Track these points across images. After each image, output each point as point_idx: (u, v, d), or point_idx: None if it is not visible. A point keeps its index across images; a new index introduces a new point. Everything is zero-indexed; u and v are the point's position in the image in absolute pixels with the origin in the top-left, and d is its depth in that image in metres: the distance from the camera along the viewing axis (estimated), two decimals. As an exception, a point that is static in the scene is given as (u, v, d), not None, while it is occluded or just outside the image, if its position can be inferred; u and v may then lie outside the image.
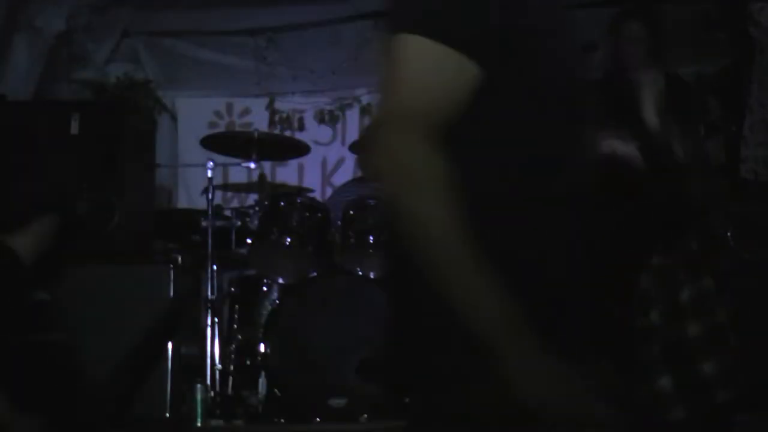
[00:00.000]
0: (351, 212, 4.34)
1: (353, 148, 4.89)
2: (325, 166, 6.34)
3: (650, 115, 3.12)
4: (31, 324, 3.08)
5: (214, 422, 3.89)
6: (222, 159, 4.51)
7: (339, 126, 6.35)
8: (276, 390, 4.00)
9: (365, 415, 3.90)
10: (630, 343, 3.01)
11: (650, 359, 2.98)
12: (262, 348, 4.02)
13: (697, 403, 2.90)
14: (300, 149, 4.72)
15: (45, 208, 3.34)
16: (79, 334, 3.89)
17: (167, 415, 3.99)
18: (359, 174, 5.95)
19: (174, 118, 6.37)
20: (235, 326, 4.39)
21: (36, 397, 2.96)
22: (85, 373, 3.24)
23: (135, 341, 3.87)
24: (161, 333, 3.95)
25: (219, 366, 4.12)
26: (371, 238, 4.26)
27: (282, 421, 3.92)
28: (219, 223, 4.31)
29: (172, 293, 4.02)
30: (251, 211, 4.37)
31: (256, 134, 4.34)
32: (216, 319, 4.16)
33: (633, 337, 3.02)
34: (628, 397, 2.97)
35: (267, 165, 6.13)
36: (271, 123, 6.31)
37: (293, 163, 6.19)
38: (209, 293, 4.16)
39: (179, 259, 4.20)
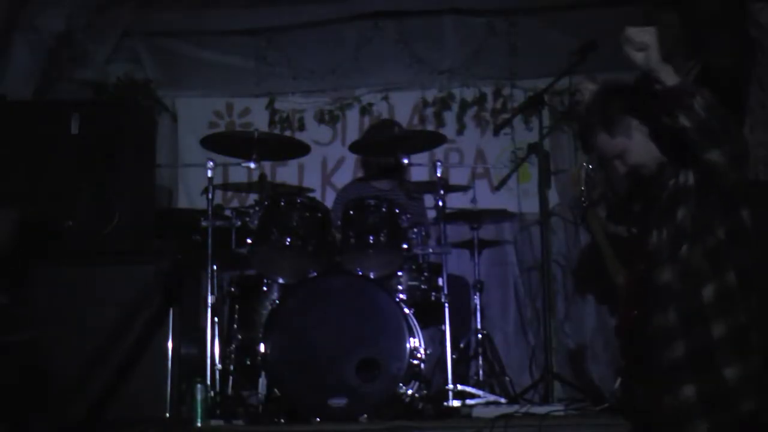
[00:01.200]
0: (351, 212, 4.34)
1: (353, 148, 4.89)
2: (325, 166, 6.34)
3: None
4: None
5: (214, 422, 3.89)
6: (222, 159, 4.51)
7: (339, 126, 6.35)
8: (276, 390, 4.00)
9: (365, 415, 3.90)
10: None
11: (673, 365, 2.86)
12: (262, 348, 4.02)
13: (722, 416, 2.76)
14: (300, 149, 4.72)
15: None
16: (79, 334, 3.90)
17: (167, 415, 4.00)
18: (360, 174, 5.96)
19: (174, 118, 6.38)
20: (235, 326, 4.39)
21: None
22: (49, 375, 3.13)
23: (98, 339, 3.76)
24: (126, 328, 3.85)
25: (219, 366, 4.13)
26: (371, 238, 4.26)
27: (282, 421, 3.92)
28: (219, 223, 4.31)
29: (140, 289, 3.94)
30: (251, 211, 4.37)
31: (256, 134, 4.33)
32: (216, 319, 4.16)
33: (650, 337, 2.89)
34: (650, 409, 2.87)
35: (267, 165, 6.14)
36: (271, 123, 6.31)
37: (293, 163, 6.19)
38: (209, 293, 4.15)
39: (179, 259, 4.20)
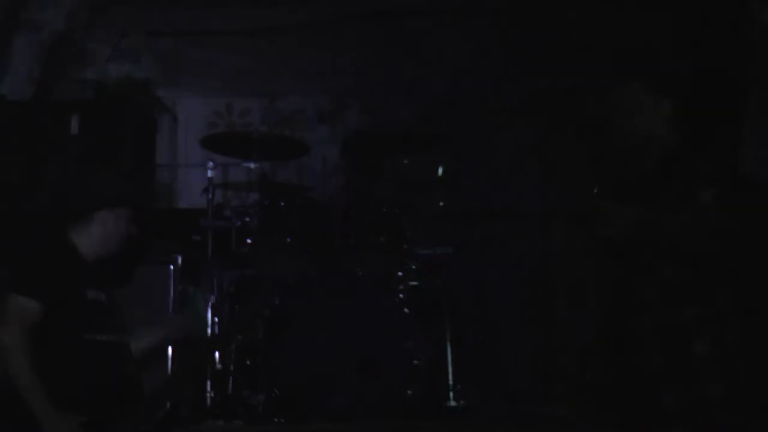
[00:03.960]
0: (351, 212, 4.34)
1: (344, 150, 4.90)
2: (325, 166, 6.33)
3: None
4: (83, 323, 2.96)
5: (214, 422, 3.89)
6: (222, 159, 4.51)
7: (339, 126, 6.35)
8: (276, 390, 4.00)
9: (365, 415, 3.90)
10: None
11: (653, 372, 2.84)
12: (262, 348, 4.02)
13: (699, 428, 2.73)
14: (300, 149, 4.72)
15: (111, 203, 3.12)
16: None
17: (165, 416, 4.00)
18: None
19: (174, 118, 6.38)
20: (235, 326, 4.39)
21: (79, 396, 2.89)
22: (135, 377, 3.14)
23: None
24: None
25: (219, 366, 4.13)
26: (371, 238, 4.26)
27: (282, 421, 3.92)
28: (219, 223, 4.31)
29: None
30: (251, 211, 4.37)
31: (256, 134, 4.34)
32: (216, 319, 4.16)
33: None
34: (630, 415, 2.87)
35: (267, 165, 6.13)
36: (271, 123, 6.31)
37: (293, 163, 6.19)
38: (209, 293, 4.15)
39: (179, 259, 4.20)
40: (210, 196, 4.29)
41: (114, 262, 3.16)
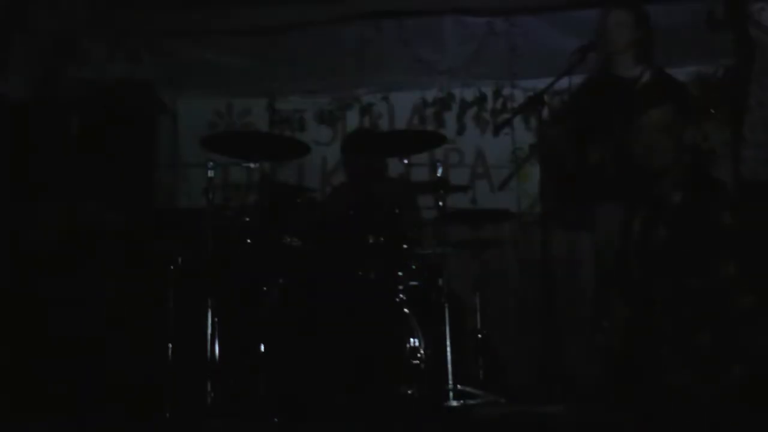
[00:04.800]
0: (351, 212, 4.34)
1: (343, 148, 4.90)
2: (325, 166, 6.34)
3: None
4: None
5: (214, 422, 3.89)
6: (222, 159, 4.51)
7: (339, 126, 6.35)
8: (276, 390, 4.00)
9: (365, 415, 3.90)
10: None
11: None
12: (262, 348, 4.02)
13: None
14: (300, 149, 4.72)
15: None
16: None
17: (167, 415, 4.00)
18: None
19: (174, 118, 6.37)
20: (235, 326, 4.38)
21: None
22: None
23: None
24: None
25: (219, 366, 4.12)
26: (371, 238, 4.26)
27: (282, 421, 3.92)
28: (219, 223, 4.31)
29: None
30: (251, 211, 4.37)
31: (256, 134, 4.34)
32: (216, 319, 4.16)
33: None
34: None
35: (267, 165, 6.13)
36: (271, 123, 6.31)
37: (293, 163, 6.19)
38: (209, 293, 4.15)
39: (179, 259, 4.20)
40: (210, 196, 4.29)
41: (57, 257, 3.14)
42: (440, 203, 4.39)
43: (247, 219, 4.34)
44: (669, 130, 2.98)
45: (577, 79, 4.43)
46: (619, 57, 4.36)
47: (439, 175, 4.42)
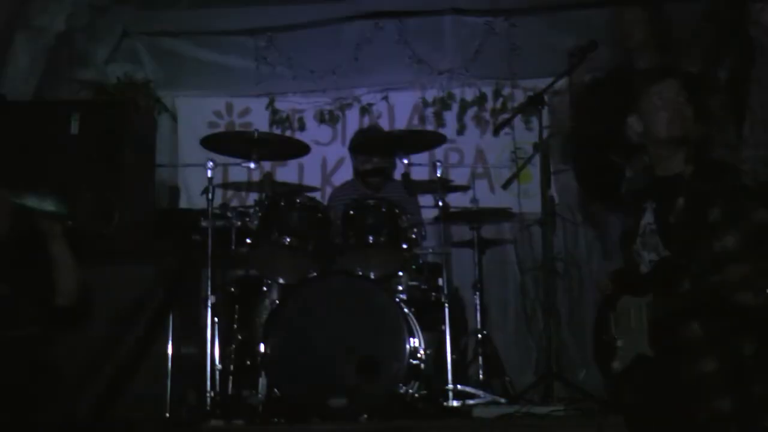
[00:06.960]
0: (351, 212, 4.34)
1: (345, 150, 4.90)
2: (325, 166, 6.34)
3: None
4: None
5: (214, 422, 3.89)
6: (222, 159, 4.51)
7: (339, 126, 6.35)
8: (276, 390, 4.00)
9: (365, 415, 3.90)
10: None
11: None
12: (262, 348, 4.02)
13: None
14: (300, 149, 4.72)
15: None
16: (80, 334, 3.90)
17: (167, 415, 4.00)
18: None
19: (174, 118, 6.37)
20: (235, 326, 4.39)
21: None
22: (57, 371, 3.08)
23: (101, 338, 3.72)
24: (129, 327, 3.83)
25: (219, 366, 4.12)
26: (371, 238, 4.26)
27: (282, 421, 3.92)
28: (219, 223, 4.31)
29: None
30: (251, 211, 4.37)
31: (256, 134, 4.33)
32: (216, 319, 4.16)
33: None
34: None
35: (267, 165, 6.13)
36: (272, 123, 6.31)
37: (293, 163, 6.18)
38: (209, 293, 4.15)
39: (179, 259, 4.20)
40: (210, 196, 4.28)
41: (7, 248, 3.06)
42: (440, 203, 4.39)
43: (247, 219, 4.33)
44: (674, 105, 2.95)
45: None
46: (637, 53, 4.36)
47: (439, 175, 4.42)
